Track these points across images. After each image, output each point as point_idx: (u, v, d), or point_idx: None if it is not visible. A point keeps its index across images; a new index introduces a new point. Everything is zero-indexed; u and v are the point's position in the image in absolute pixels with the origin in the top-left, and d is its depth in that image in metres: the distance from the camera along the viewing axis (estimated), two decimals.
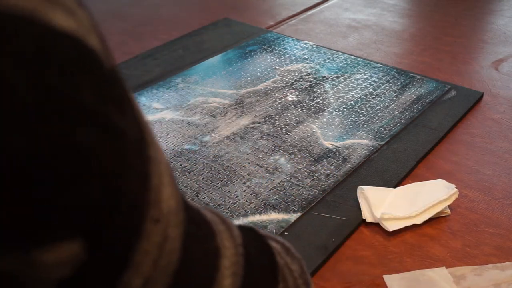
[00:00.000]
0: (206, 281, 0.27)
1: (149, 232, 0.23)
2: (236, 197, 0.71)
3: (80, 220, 0.19)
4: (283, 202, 0.69)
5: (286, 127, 0.84)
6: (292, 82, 0.97)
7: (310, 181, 0.73)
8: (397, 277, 0.59)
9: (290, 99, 0.92)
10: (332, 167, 0.75)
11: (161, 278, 0.24)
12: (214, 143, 0.81)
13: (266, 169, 0.75)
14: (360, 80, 0.97)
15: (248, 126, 0.85)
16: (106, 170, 0.20)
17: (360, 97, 0.92)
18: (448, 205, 0.67)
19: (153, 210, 0.23)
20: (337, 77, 0.99)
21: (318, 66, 1.02)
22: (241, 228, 0.32)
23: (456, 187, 0.67)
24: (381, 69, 1.01)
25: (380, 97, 0.92)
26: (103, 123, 0.20)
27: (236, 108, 0.90)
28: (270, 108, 0.89)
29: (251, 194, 0.71)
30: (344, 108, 0.89)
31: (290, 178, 0.74)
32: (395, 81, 0.97)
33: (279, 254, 0.33)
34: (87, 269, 0.21)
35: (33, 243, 0.19)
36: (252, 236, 0.32)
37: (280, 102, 0.91)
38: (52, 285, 0.20)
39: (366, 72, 1.00)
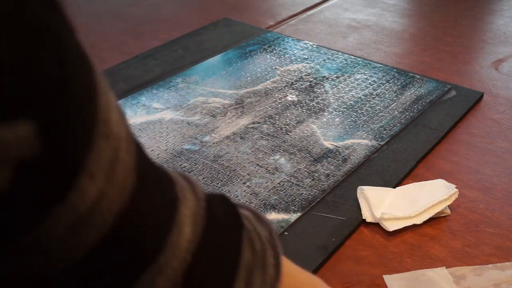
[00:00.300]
0: (166, 221, 0.27)
1: (99, 144, 0.23)
2: (236, 197, 0.71)
3: (30, 100, 0.19)
4: (283, 202, 0.69)
5: (286, 127, 0.84)
6: (292, 82, 0.97)
7: (310, 181, 0.73)
8: (397, 277, 0.59)
9: (290, 99, 0.92)
10: (332, 167, 0.75)
11: (118, 196, 0.24)
12: (214, 143, 0.81)
13: (266, 169, 0.75)
14: (360, 80, 0.97)
15: (248, 126, 0.85)
16: (54, 44, 0.21)
17: (360, 97, 0.92)
18: (448, 205, 0.67)
19: (103, 126, 0.23)
20: (337, 77, 0.99)
21: (318, 66, 1.02)
22: (210, 193, 0.32)
23: (456, 187, 0.67)
24: (381, 69, 1.01)
25: (380, 97, 0.92)
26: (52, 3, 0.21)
27: (236, 108, 0.90)
28: (270, 108, 0.89)
29: (251, 194, 0.71)
30: (344, 108, 0.89)
31: (290, 178, 0.74)
32: (395, 81, 0.97)
33: (247, 218, 0.33)
34: (42, 166, 0.20)
35: None
36: (219, 199, 0.32)
37: (280, 102, 0.91)
38: (9, 167, 0.19)
39: (366, 72, 1.00)
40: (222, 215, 0.31)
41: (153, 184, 0.27)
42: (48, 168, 0.21)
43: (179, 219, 0.27)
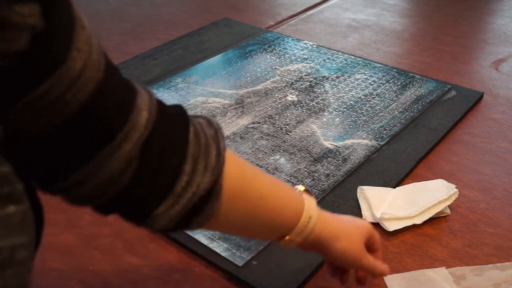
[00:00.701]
0: (129, 102, 0.36)
1: (78, 30, 0.33)
2: None
3: None
4: None
5: (286, 127, 0.84)
6: (292, 82, 0.97)
7: (310, 181, 0.73)
8: (397, 277, 0.59)
9: (290, 99, 0.92)
10: (332, 167, 0.75)
11: (95, 70, 0.34)
12: None
13: (266, 169, 0.75)
14: (360, 80, 0.97)
15: (248, 126, 0.85)
16: None
17: (360, 97, 0.92)
18: (448, 205, 0.67)
19: (79, 20, 0.34)
20: (337, 77, 0.99)
21: (318, 66, 1.02)
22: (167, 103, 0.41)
23: (456, 187, 0.67)
24: (381, 69, 1.01)
25: (380, 97, 0.92)
26: None
27: (236, 108, 0.90)
28: (270, 108, 0.89)
29: None
30: (344, 108, 0.89)
31: (290, 178, 0.73)
32: (395, 81, 0.97)
33: (198, 122, 0.42)
34: (47, 38, 0.30)
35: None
36: (174, 105, 0.41)
37: (280, 102, 0.91)
38: (25, 34, 0.29)
39: (366, 72, 1.00)
40: (173, 114, 0.40)
41: (117, 73, 0.37)
42: (51, 40, 0.31)
43: (137, 105, 0.37)
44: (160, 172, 0.38)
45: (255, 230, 0.48)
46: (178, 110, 0.41)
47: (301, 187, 0.51)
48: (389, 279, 0.58)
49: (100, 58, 0.35)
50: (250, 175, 0.47)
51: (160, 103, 0.40)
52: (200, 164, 0.40)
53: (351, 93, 0.93)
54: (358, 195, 0.69)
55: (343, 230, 0.51)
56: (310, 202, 0.49)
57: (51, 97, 0.32)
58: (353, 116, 0.87)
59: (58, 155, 0.35)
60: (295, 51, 1.08)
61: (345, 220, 0.52)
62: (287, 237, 0.48)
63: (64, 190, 0.37)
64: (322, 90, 0.95)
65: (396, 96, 0.92)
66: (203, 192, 0.40)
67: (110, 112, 0.35)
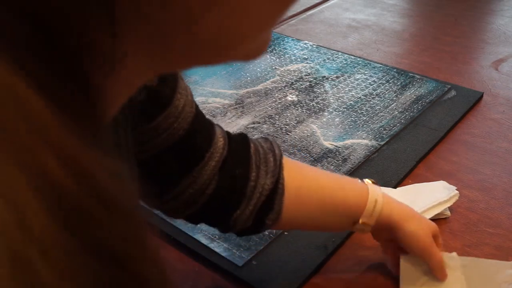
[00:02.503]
0: (210, 130, 0.48)
1: (179, 82, 0.46)
2: None
3: None
4: None
5: (286, 127, 0.84)
6: (292, 82, 0.97)
7: None
8: (412, 259, 0.58)
9: (290, 99, 0.92)
10: (332, 167, 0.75)
11: (190, 107, 0.47)
12: None
13: None
14: (360, 80, 0.97)
15: (248, 126, 0.85)
16: None
17: (360, 97, 0.92)
18: (448, 207, 0.67)
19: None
20: (337, 77, 0.99)
21: (318, 66, 1.02)
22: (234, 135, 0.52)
23: (456, 189, 0.67)
24: (381, 69, 1.01)
25: (380, 97, 0.92)
26: None
27: (236, 108, 0.90)
28: (270, 108, 0.89)
29: None
30: (344, 108, 0.89)
31: None
32: (395, 81, 0.97)
33: (255, 139, 0.53)
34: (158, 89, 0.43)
35: None
36: (238, 133, 0.53)
37: (280, 102, 0.91)
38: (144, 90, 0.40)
39: (366, 72, 1.00)
40: (238, 139, 0.51)
41: (200, 110, 0.48)
42: (162, 89, 0.43)
43: (216, 133, 0.49)
44: (234, 181, 0.48)
45: (326, 219, 0.54)
46: (241, 135, 0.52)
47: (368, 180, 0.56)
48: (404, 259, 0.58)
49: (192, 99, 0.47)
50: (309, 171, 0.55)
51: (227, 133, 0.51)
52: (262, 170, 0.49)
53: (351, 93, 0.93)
54: None
55: (412, 213, 0.56)
56: (374, 188, 0.55)
57: (165, 126, 0.44)
58: (353, 116, 0.87)
59: (167, 170, 0.45)
60: (295, 51, 1.08)
61: (413, 208, 0.57)
62: (360, 221, 0.53)
63: (168, 201, 0.47)
64: (322, 90, 0.95)
65: (396, 96, 0.92)
66: (267, 191, 0.49)
67: (200, 138, 0.47)
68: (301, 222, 0.54)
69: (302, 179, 0.53)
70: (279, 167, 0.50)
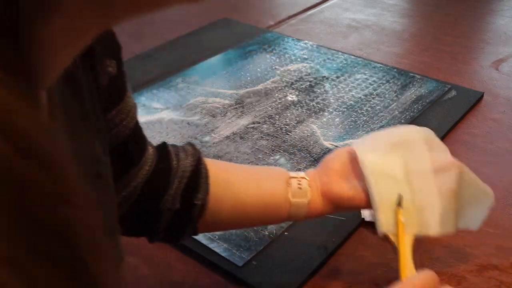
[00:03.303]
0: (145, 139, 0.50)
1: (127, 83, 0.46)
2: None
3: None
4: None
5: (286, 127, 0.84)
6: (292, 82, 0.97)
7: None
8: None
9: (290, 99, 0.92)
10: None
11: (135, 113, 0.47)
12: (214, 143, 0.81)
13: None
14: (360, 80, 0.97)
15: (248, 126, 0.85)
16: None
17: (360, 97, 0.92)
18: None
19: None
20: (337, 77, 0.98)
21: (318, 66, 1.02)
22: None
23: None
24: (381, 69, 1.01)
25: (380, 97, 0.92)
26: None
27: (236, 108, 0.90)
28: (270, 108, 0.89)
29: None
30: (344, 108, 0.89)
31: None
32: (395, 81, 0.97)
33: (175, 146, 0.54)
34: (114, 81, 0.42)
35: None
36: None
37: (280, 102, 0.91)
38: (106, 76, 0.41)
39: (366, 72, 1.00)
40: (160, 146, 0.53)
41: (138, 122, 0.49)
42: (118, 83, 0.44)
43: (148, 143, 0.51)
44: (158, 175, 0.50)
45: (259, 201, 0.54)
46: (161, 144, 0.54)
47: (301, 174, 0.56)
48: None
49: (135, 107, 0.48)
50: (227, 162, 0.58)
51: (151, 145, 0.53)
52: (181, 155, 0.52)
53: (351, 93, 0.93)
54: None
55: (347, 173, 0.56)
56: (297, 173, 0.56)
57: (117, 121, 0.44)
58: (353, 116, 0.87)
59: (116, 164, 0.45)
60: (295, 51, 1.08)
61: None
62: (292, 199, 0.53)
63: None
64: (322, 90, 0.95)
65: (396, 96, 0.92)
66: (189, 172, 0.51)
67: (140, 142, 0.49)
68: (235, 213, 0.54)
69: (222, 164, 0.57)
70: (198, 152, 0.53)
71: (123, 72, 0.44)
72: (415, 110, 0.88)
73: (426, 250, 0.62)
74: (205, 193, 0.51)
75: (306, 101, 0.91)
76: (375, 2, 1.35)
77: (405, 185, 0.55)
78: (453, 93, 0.93)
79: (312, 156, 0.78)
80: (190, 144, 0.55)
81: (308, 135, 0.82)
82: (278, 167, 0.58)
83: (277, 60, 1.05)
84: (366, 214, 0.66)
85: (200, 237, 0.64)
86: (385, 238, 0.53)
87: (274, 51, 1.08)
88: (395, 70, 1.01)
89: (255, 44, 1.11)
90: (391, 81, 0.97)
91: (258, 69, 1.02)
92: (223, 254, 0.61)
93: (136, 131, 0.48)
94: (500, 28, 1.20)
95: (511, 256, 0.61)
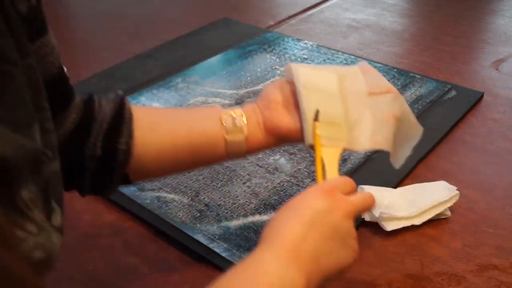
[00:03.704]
0: (71, 86, 0.50)
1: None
2: (236, 197, 0.70)
3: None
4: (283, 202, 0.69)
5: None
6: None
7: (310, 181, 0.72)
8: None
9: None
10: None
11: (59, 53, 0.47)
12: None
13: (266, 169, 0.75)
14: None
15: None
16: None
17: None
18: (449, 207, 0.66)
19: None
20: None
21: None
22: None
23: (457, 189, 0.67)
24: (381, 69, 1.01)
25: None
26: None
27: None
28: None
29: (251, 194, 0.71)
30: None
31: (290, 178, 0.73)
32: (395, 81, 0.97)
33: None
34: (35, 11, 0.41)
35: None
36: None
37: None
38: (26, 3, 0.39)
39: None
40: (88, 94, 0.53)
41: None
42: (39, 13, 0.42)
43: (74, 90, 0.51)
44: (84, 122, 0.50)
45: (191, 141, 0.54)
46: (89, 94, 0.54)
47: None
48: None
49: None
50: (158, 107, 0.58)
51: (78, 96, 0.52)
52: (103, 102, 0.52)
53: None
54: None
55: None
56: (233, 108, 0.55)
57: (42, 53, 0.43)
58: None
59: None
60: (295, 51, 1.08)
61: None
62: (227, 137, 0.53)
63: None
64: None
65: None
66: (111, 113, 0.51)
67: (68, 86, 0.49)
68: (165, 156, 0.54)
69: (151, 109, 0.57)
70: (122, 98, 0.53)
71: (41, 7, 0.43)
72: (415, 110, 0.88)
73: (426, 250, 0.62)
74: (129, 137, 0.51)
75: None
76: (375, 2, 1.35)
77: (338, 100, 0.56)
78: (453, 93, 0.93)
79: (312, 156, 0.77)
80: (115, 92, 0.54)
81: None
82: (214, 105, 0.59)
83: (277, 60, 1.05)
84: (366, 214, 0.66)
85: (200, 237, 0.64)
86: (311, 148, 0.54)
87: (274, 51, 1.08)
88: (395, 70, 1.01)
89: (255, 44, 1.11)
90: (391, 81, 0.97)
91: (258, 69, 1.01)
92: (223, 254, 0.61)
93: (63, 75, 0.47)
94: (500, 28, 1.20)
95: (511, 256, 0.61)
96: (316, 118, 0.54)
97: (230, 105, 0.90)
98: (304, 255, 0.43)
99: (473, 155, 0.79)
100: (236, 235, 0.64)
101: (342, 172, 0.74)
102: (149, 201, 0.69)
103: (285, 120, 0.55)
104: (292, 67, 0.56)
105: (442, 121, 0.85)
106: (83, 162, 0.50)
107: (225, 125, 0.54)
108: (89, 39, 1.23)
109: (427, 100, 0.91)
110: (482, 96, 0.93)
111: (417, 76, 0.98)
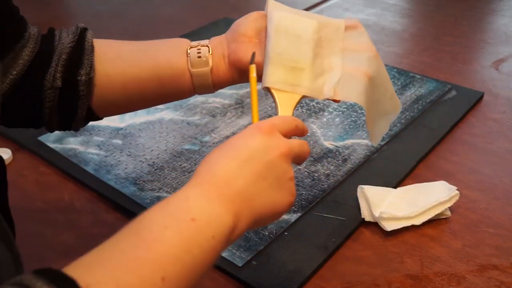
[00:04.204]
0: (23, 21, 0.51)
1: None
2: None
3: None
4: None
5: None
6: None
7: (310, 181, 0.72)
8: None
9: None
10: (332, 167, 0.75)
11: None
12: (214, 143, 0.81)
13: None
14: None
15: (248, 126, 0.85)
16: None
17: None
18: (449, 207, 0.66)
19: None
20: None
21: None
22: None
23: (457, 189, 0.67)
24: None
25: None
26: None
27: (236, 108, 0.90)
28: (270, 108, 0.89)
29: None
30: (344, 108, 0.89)
31: None
32: (395, 81, 0.97)
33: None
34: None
35: None
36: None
37: None
38: None
39: None
40: (49, 29, 0.55)
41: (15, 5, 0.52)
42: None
43: (28, 22, 0.52)
44: (42, 54, 0.51)
45: (154, 84, 0.54)
46: (49, 28, 0.54)
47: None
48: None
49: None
50: (122, 40, 0.58)
51: (35, 27, 0.53)
52: (63, 33, 0.53)
53: None
54: (358, 194, 0.69)
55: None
56: (199, 41, 0.57)
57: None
58: (353, 116, 0.87)
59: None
60: None
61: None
62: (191, 69, 0.54)
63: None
64: None
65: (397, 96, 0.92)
66: (70, 45, 0.52)
67: (18, 17, 0.50)
68: (129, 89, 0.54)
69: (118, 44, 0.58)
70: (82, 30, 0.53)
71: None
72: (415, 110, 0.88)
73: (426, 250, 0.62)
74: (89, 68, 0.51)
75: (306, 101, 0.91)
76: (375, 2, 1.35)
77: (310, 47, 0.55)
78: (453, 93, 0.93)
79: (312, 156, 0.77)
80: (77, 25, 0.54)
81: (308, 135, 0.82)
82: (181, 38, 0.58)
83: None
84: (365, 213, 0.66)
85: None
86: (267, 91, 0.54)
87: None
88: (395, 70, 1.01)
89: None
90: (391, 81, 0.97)
91: None
92: (223, 254, 0.61)
93: (12, 4, 0.47)
94: (500, 28, 1.20)
95: (511, 256, 0.61)
96: (251, 61, 0.54)
97: (230, 105, 0.90)
98: (233, 193, 0.40)
99: (473, 155, 0.79)
100: None
101: (342, 172, 0.74)
102: (149, 201, 0.69)
103: (249, 54, 0.54)
104: (269, 4, 0.56)
105: (442, 121, 0.85)
106: (44, 94, 0.50)
107: (189, 56, 0.54)
108: None
109: (427, 100, 0.91)
110: (482, 96, 0.93)
111: (417, 76, 0.98)
